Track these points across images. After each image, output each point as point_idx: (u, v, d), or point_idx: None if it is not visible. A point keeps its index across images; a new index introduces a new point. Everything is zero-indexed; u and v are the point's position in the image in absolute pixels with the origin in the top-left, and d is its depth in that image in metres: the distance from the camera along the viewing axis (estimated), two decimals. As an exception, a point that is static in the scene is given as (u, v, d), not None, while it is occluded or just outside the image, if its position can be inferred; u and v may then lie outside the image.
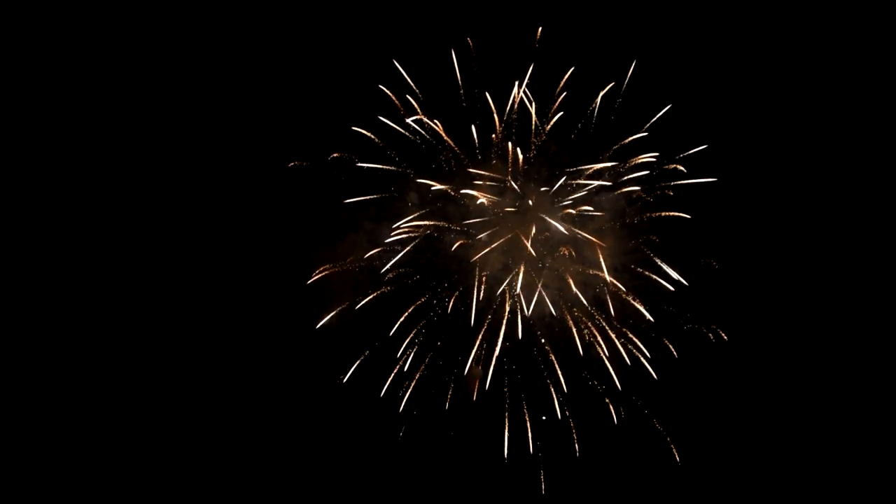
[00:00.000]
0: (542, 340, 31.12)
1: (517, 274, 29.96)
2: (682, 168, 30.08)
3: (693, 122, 30.87)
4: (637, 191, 30.49)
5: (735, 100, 33.60)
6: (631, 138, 30.42)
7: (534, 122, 30.35)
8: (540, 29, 30.14)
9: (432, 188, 30.54)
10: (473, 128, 30.37)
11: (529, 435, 31.04)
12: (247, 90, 34.50)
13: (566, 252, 30.77)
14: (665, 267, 30.10)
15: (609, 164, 30.39)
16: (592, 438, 31.44)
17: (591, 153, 30.93)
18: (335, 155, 31.26)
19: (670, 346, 30.57)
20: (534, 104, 30.05)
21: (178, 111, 34.15)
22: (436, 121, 30.72)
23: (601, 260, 29.48)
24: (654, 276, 30.37)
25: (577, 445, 31.39)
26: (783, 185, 33.51)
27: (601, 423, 31.09)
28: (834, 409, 33.41)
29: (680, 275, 29.91)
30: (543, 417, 31.08)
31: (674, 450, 32.06)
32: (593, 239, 29.69)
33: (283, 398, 34.04)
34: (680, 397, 31.61)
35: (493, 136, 30.52)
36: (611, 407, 30.92)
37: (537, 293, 30.16)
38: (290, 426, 34.11)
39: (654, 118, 30.50)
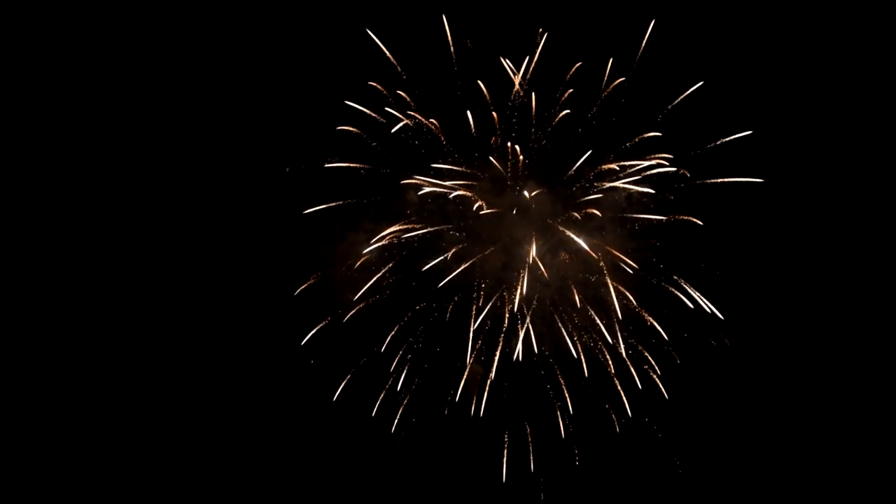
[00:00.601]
0: (543, 347, 30.93)
1: (517, 277, 29.64)
2: (686, 172, 29.42)
3: (697, 123, 29.95)
4: (641, 192, 29.87)
5: (745, 96, 32.60)
6: (638, 138, 29.66)
7: (533, 120, 29.68)
8: (540, 30, 29.26)
9: (428, 189, 30.03)
10: (472, 124, 29.64)
11: (530, 441, 31.19)
12: (239, 89, 33.97)
13: (566, 257, 30.41)
14: (686, 285, 29.71)
15: (615, 165, 29.73)
16: (592, 447, 31.54)
17: (595, 152, 30.18)
18: (335, 159, 30.71)
19: (673, 352, 30.38)
20: (534, 98, 29.29)
21: (167, 112, 33.78)
22: (433, 120, 30.12)
23: (603, 266, 29.11)
24: (655, 280, 30.07)
25: (576, 451, 31.56)
26: (784, 186, 32.67)
27: (602, 431, 31.14)
28: (836, 411, 33.37)
29: (683, 279, 29.56)
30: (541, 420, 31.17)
31: (675, 457, 32.28)
32: (622, 256, 29.11)
33: (275, 410, 34.25)
34: (681, 402, 31.47)
35: (494, 138, 29.89)
36: (612, 415, 30.91)
37: (537, 295, 29.93)
38: (281, 441, 34.37)
39: (676, 101, 29.46)
